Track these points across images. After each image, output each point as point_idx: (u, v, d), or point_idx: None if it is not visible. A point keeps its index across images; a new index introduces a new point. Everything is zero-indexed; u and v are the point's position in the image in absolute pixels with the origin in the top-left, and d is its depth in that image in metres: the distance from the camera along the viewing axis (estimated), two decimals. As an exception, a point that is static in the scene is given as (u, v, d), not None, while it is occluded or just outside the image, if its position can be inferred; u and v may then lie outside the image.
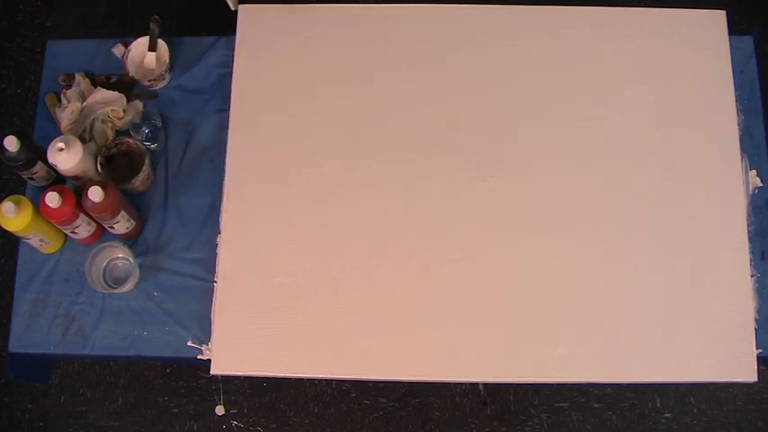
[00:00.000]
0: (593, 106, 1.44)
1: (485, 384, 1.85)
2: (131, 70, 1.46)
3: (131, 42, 1.47)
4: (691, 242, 1.35)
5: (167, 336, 1.35)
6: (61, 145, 1.28)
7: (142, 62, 1.48)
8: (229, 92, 1.46)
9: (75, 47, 1.53)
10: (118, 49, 1.50)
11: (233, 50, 1.48)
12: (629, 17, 1.50)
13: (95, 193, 1.24)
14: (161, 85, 1.48)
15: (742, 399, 1.83)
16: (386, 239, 1.36)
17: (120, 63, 1.48)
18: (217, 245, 1.38)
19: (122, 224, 1.34)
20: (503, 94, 1.45)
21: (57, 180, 1.41)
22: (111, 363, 1.88)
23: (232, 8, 1.46)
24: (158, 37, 1.46)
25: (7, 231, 1.28)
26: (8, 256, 1.94)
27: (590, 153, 1.41)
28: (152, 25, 1.46)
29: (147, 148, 1.40)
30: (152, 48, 1.46)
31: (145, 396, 1.86)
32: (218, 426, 1.84)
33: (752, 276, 1.34)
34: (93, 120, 1.42)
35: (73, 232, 1.34)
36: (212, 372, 1.31)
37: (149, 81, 1.45)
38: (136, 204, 1.40)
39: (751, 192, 1.40)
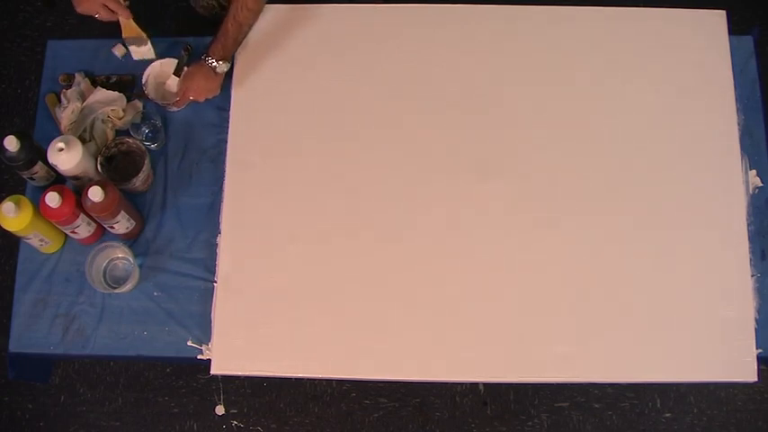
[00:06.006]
0: (594, 106, 1.44)
1: (485, 384, 1.85)
2: (151, 92, 1.45)
3: (153, 62, 1.46)
4: (691, 242, 1.35)
5: (167, 336, 1.35)
6: (61, 145, 1.28)
7: (162, 83, 1.47)
8: (229, 92, 1.46)
9: (76, 47, 1.53)
10: (118, 49, 1.50)
11: (233, 50, 1.48)
12: (628, 17, 1.50)
13: (95, 193, 1.24)
14: (175, 109, 1.46)
15: (742, 399, 1.83)
16: (386, 240, 1.36)
17: (120, 63, 1.47)
18: (217, 245, 1.38)
19: (122, 224, 1.34)
20: (503, 95, 1.45)
21: (57, 180, 1.41)
22: (111, 363, 1.88)
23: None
24: (186, 65, 1.45)
25: (7, 231, 1.28)
26: (8, 256, 1.94)
27: (590, 153, 1.41)
28: (182, 52, 1.47)
29: (147, 148, 1.40)
30: (177, 72, 1.45)
31: (145, 396, 1.86)
32: (218, 426, 1.84)
33: (752, 276, 1.34)
34: (94, 120, 1.41)
35: (73, 232, 1.34)
36: (212, 372, 1.31)
37: (164, 102, 1.44)
38: (136, 204, 1.40)
39: (751, 192, 1.40)
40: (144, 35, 1.45)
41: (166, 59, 1.47)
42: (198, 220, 1.41)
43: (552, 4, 1.52)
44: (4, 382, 1.84)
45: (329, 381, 1.85)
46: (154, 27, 1.49)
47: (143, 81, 1.45)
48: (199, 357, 1.33)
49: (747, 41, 1.50)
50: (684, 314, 1.32)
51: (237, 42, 1.42)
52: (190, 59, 1.46)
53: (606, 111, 1.43)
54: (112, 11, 1.39)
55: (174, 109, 1.46)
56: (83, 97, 1.43)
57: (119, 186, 1.32)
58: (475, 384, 1.86)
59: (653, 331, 1.31)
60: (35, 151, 1.33)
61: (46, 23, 2.16)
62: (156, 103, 1.45)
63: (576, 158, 1.41)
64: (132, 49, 1.48)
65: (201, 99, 1.43)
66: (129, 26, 1.44)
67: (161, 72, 1.47)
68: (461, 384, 1.85)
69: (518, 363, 1.31)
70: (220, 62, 1.38)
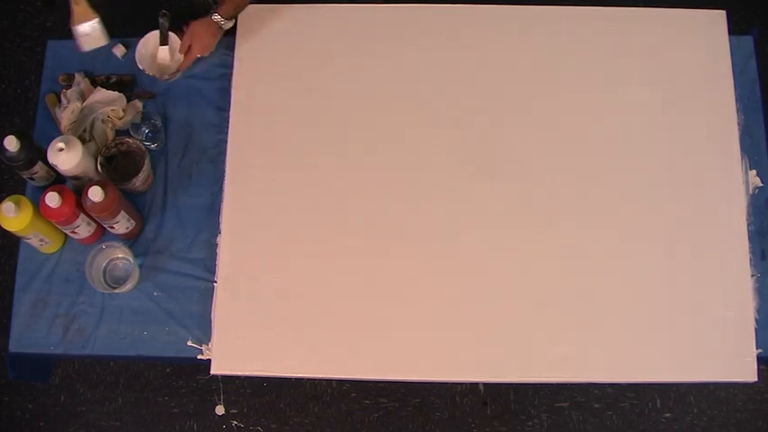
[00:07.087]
0: (594, 106, 1.44)
1: (485, 384, 1.85)
2: (146, 68, 1.45)
3: (139, 42, 1.46)
4: (691, 242, 1.35)
5: (167, 336, 1.35)
6: (61, 145, 1.28)
7: (155, 59, 1.47)
8: (229, 92, 1.46)
9: (76, 47, 1.53)
10: (118, 49, 1.50)
11: (233, 50, 1.48)
12: (628, 17, 1.50)
13: (95, 193, 1.24)
14: (178, 73, 1.47)
15: (742, 399, 1.83)
16: (386, 240, 1.36)
17: (120, 63, 1.47)
18: (217, 245, 1.38)
19: (122, 224, 1.34)
20: (503, 95, 1.45)
21: (57, 180, 1.41)
22: (112, 363, 1.88)
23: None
24: (168, 30, 1.46)
25: (7, 231, 1.28)
26: (8, 256, 1.94)
27: (590, 153, 1.41)
28: (161, 20, 1.46)
29: (147, 148, 1.40)
30: (163, 42, 1.45)
31: (145, 396, 1.86)
32: (218, 426, 1.84)
33: (752, 276, 1.34)
34: (94, 120, 1.41)
35: (73, 232, 1.34)
36: (212, 372, 1.31)
37: (162, 76, 1.45)
38: (136, 204, 1.40)
39: (751, 192, 1.40)
40: (96, 18, 1.41)
41: (151, 33, 1.47)
42: (198, 220, 1.41)
43: (552, 5, 1.52)
44: (4, 382, 1.85)
45: (329, 381, 1.85)
46: (154, 27, 1.48)
47: (136, 59, 1.44)
48: (199, 357, 1.33)
49: (747, 41, 1.50)
50: (684, 314, 1.32)
51: (246, 3, 1.47)
52: (171, 25, 1.47)
53: (606, 110, 1.43)
54: None
55: (177, 75, 1.46)
56: (83, 97, 1.42)
57: (119, 186, 1.32)
58: (475, 384, 1.86)
59: (653, 331, 1.31)
60: (35, 151, 1.33)
61: (46, 23, 2.16)
62: (156, 78, 1.45)
63: (575, 158, 1.41)
64: (83, 39, 1.42)
65: (206, 53, 1.46)
66: (80, 11, 1.40)
67: (154, 47, 1.48)
68: (461, 384, 1.85)
69: (518, 363, 1.31)
70: (229, 21, 1.44)
